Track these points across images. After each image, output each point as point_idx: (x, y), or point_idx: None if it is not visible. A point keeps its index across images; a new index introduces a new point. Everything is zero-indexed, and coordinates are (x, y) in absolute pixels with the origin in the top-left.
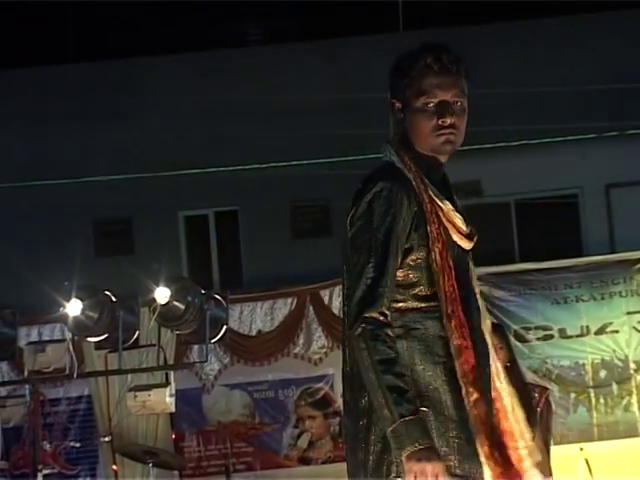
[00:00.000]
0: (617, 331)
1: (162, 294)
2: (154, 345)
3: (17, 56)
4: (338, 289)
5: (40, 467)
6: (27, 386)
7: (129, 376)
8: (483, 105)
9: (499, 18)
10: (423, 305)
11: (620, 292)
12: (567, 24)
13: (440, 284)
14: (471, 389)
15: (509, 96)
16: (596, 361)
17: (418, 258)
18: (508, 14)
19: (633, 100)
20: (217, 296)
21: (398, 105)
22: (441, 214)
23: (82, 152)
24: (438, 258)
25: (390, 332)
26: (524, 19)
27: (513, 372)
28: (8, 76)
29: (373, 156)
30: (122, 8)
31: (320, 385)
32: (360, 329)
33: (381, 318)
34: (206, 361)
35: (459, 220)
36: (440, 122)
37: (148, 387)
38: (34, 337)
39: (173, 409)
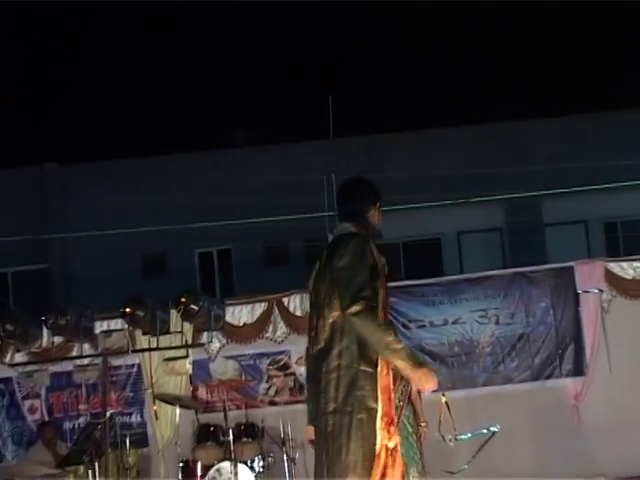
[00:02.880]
0: (465, 322)
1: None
2: (179, 332)
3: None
4: (293, 297)
5: (108, 408)
6: (100, 358)
7: (163, 351)
8: (382, 181)
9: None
10: None
11: (466, 298)
12: (433, 135)
13: (380, 314)
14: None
15: (401, 177)
16: (452, 341)
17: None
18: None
19: (474, 181)
20: (218, 301)
21: (375, 207)
22: (381, 265)
23: (135, 214)
24: (384, 296)
25: None
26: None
27: None
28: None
29: (315, 215)
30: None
31: (282, 356)
32: (359, 306)
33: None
34: (211, 341)
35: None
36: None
37: (175, 358)
38: (105, 327)
39: (191, 372)
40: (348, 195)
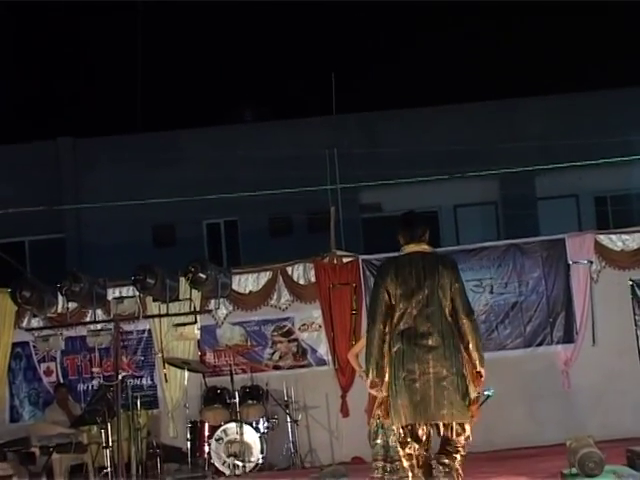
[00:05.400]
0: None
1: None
2: (187, 299)
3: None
4: (297, 266)
5: (120, 371)
6: (112, 323)
7: (173, 317)
8: (383, 156)
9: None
10: None
11: (462, 268)
12: (432, 112)
13: None
14: None
15: (400, 152)
16: None
17: None
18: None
19: (470, 155)
20: (225, 270)
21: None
22: None
23: (146, 186)
24: None
25: None
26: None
27: None
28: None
29: (317, 188)
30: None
31: (286, 323)
32: (474, 317)
33: None
34: (218, 308)
35: None
36: None
37: (184, 324)
38: (117, 294)
39: (199, 337)
40: (424, 223)
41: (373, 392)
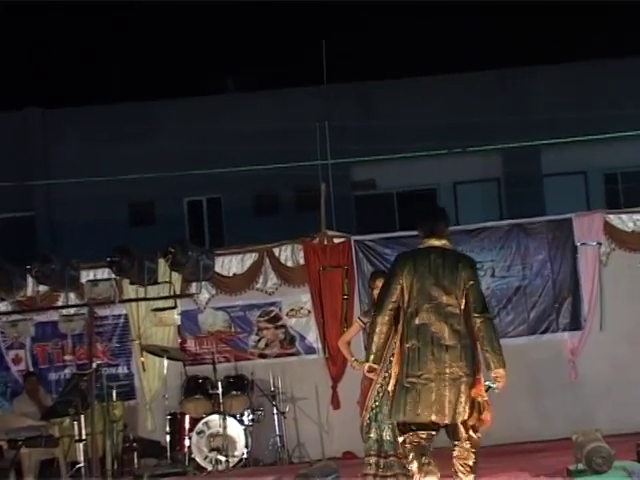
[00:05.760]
0: None
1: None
2: (167, 282)
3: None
4: (284, 247)
5: (94, 360)
6: (86, 308)
7: (151, 301)
8: (377, 130)
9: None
10: None
11: (462, 249)
12: (430, 82)
13: None
14: None
15: (395, 125)
16: None
17: None
18: None
19: (471, 129)
20: (208, 251)
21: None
22: None
23: (122, 160)
24: None
25: None
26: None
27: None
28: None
29: (307, 163)
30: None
31: (273, 308)
32: (490, 315)
33: None
34: (200, 292)
35: None
36: None
37: (163, 309)
38: (91, 277)
39: (179, 323)
40: (446, 218)
41: (370, 376)
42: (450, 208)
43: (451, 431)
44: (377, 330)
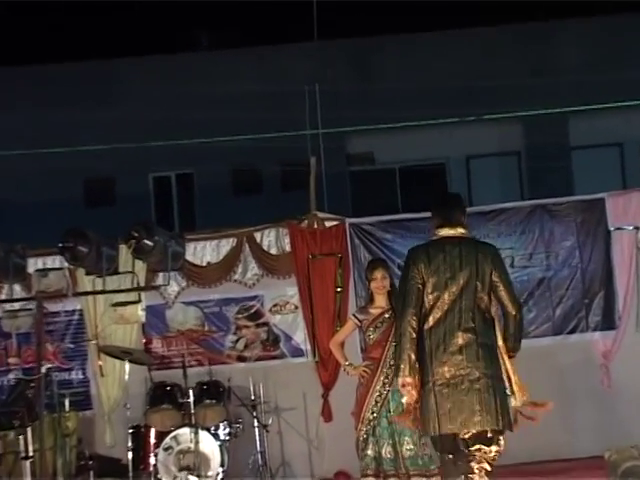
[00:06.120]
0: None
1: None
2: (129, 272)
3: (29, 55)
4: (267, 232)
5: (43, 362)
6: (34, 302)
7: (111, 295)
8: (376, 94)
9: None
10: None
11: (475, 234)
12: (438, 39)
13: None
14: None
15: (397, 89)
16: None
17: None
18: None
19: (486, 94)
20: (177, 236)
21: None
22: None
23: (77, 129)
24: None
25: None
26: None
27: (392, 294)
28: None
29: (293, 133)
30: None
31: (253, 303)
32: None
33: None
34: (168, 284)
35: None
36: None
37: (125, 303)
38: (40, 265)
39: (144, 320)
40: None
41: (404, 393)
42: (462, 186)
43: (466, 443)
44: (407, 337)
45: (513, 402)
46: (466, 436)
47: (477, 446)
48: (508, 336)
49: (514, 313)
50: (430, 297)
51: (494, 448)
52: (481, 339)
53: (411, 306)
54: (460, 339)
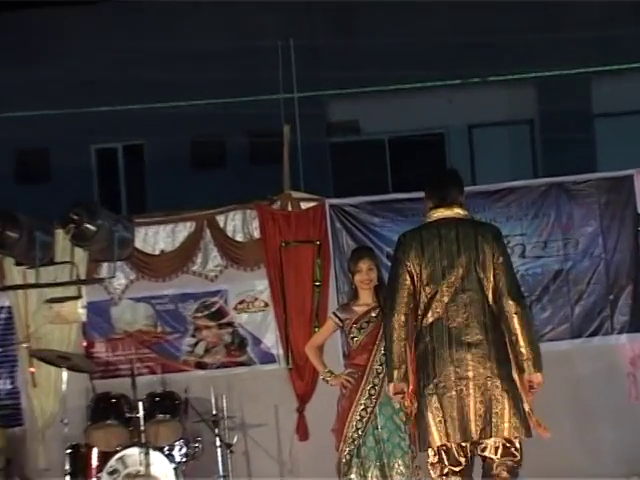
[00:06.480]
0: None
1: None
2: (68, 262)
3: None
4: (232, 214)
5: None
6: None
7: (45, 289)
8: (362, 51)
9: None
10: None
11: (480, 218)
12: None
13: None
14: None
15: (387, 45)
16: None
17: None
18: None
19: (493, 51)
20: (124, 219)
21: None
22: None
23: (4, 92)
24: None
25: None
26: None
27: (380, 289)
28: None
29: (264, 97)
30: None
31: (215, 299)
32: (526, 303)
33: None
34: (114, 277)
35: None
36: None
37: (62, 299)
38: None
39: (84, 319)
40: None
41: (397, 399)
42: (463, 161)
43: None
44: (394, 338)
45: (527, 407)
46: (479, 447)
47: (490, 457)
48: (520, 357)
49: (511, 306)
50: (427, 290)
51: (509, 460)
52: (491, 335)
53: (402, 302)
54: (468, 336)
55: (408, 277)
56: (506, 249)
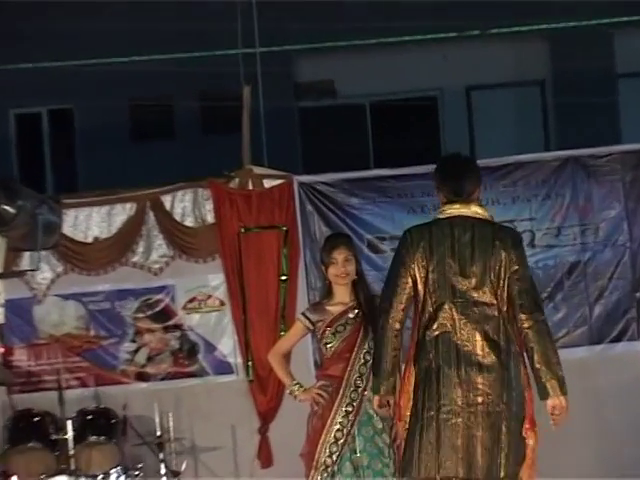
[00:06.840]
0: None
1: None
2: None
3: None
4: (180, 194)
5: None
6: None
7: None
8: (338, 2)
9: None
10: None
11: (478, 198)
12: None
13: None
14: None
15: None
16: None
17: None
18: None
19: (495, 3)
20: (50, 200)
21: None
22: None
23: None
24: None
25: None
26: None
27: (359, 284)
28: None
29: (219, 53)
30: None
31: (160, 296)
32: (544, 317)
33: None
34: (37, 269)
35: None
36: None
37: None
38: None
39: (2, 320)
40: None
41: (382, 413)
42: (460, 130)
43: None
44: (389, 346)
45: (531, 442)
46: None
47: None
48: (537, 380)
49: (527, 320)
50: (433, 298)
51: None
52: (505, 357)
53: (399, 308)
54: (480, 356)
55: (410, 281)
56: (525, 258)
